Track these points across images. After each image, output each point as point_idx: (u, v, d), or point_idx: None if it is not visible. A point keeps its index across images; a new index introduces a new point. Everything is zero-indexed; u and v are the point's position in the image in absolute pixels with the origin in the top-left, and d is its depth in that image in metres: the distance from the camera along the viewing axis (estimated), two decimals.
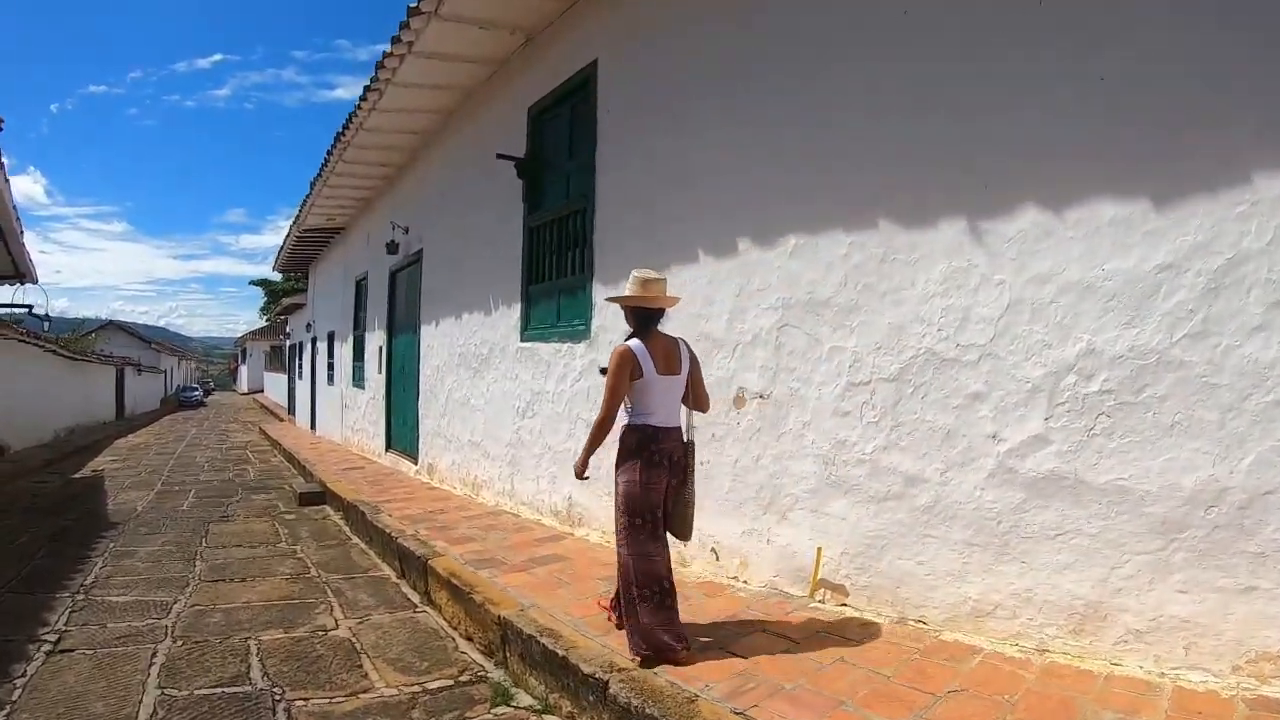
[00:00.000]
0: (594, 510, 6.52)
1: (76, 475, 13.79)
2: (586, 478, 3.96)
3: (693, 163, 5.55)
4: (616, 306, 4.29)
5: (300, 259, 20.80)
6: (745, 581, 4.95)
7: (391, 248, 11.44)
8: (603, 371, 3.71)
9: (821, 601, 4.48)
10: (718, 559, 5.22)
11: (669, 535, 3.81)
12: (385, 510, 7.87)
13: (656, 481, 3.62)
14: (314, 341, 20.66)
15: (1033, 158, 3.61)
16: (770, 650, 3.74)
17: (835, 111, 4.51)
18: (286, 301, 25.83)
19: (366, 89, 8.63)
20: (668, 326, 4.05)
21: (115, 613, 5.40)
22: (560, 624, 4.17)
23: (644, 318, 3.75)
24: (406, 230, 11.33)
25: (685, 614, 3.92)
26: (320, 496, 10.12)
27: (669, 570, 3.69)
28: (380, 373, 12.76)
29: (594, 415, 3.85)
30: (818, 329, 4.59)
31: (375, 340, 13.20)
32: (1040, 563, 3.53)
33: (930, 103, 4.02)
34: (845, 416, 4.43)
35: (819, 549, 4.52)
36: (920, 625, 3.98)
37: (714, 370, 5.22)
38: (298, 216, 15.30)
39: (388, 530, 6.84)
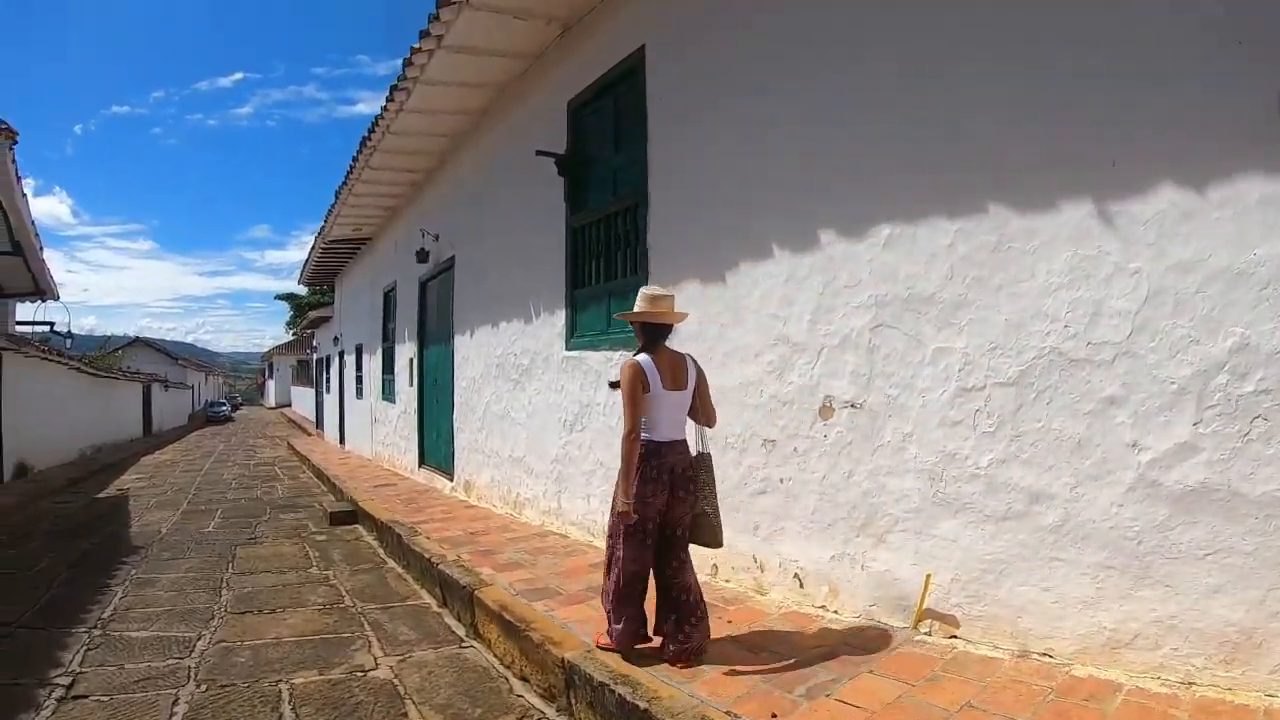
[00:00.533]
0: None
1: (101, 495, 13.42)
2: (635, 517, 3.67)
3: (764, 150, 5.01)
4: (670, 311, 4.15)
5: (326, 271, 20.48)
6: (836, 611, 4.41)
7: (421, 256, 10.98)
8: (613, 385, 3.89)
9: (928, 634, 3.95)
10: (802, 586, 4.68)
11: (697, 546, 3.88)
12: (423, 532, 7.37)
13: (654, 496, 3.61)
14: (341, 355, 20.30)
15: (1163, 129, 3.16)
16: (884, 696, 3.23)
17: (940, 87, 3.98)
18: (313, 315, 25.44)
19: (393, 89, 8.18)
20: (747, 333, 4.40)
21: (134, 651, 4.92)
22: (634, 668, 3.64)
23: (652, 333, 3.79)
24: (437, 238, 10.88)
25: (774, 649, 3.79)
26: (352, 516, 9.65)
27: (649, 573, 3.80)
28: (411, 385, 12.31)
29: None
30: (919, 328, 4.05)
31: (405, 352, 12.75)
32: (1187, 586, 3.10)
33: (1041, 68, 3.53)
34: (955, 427, 3.89)
35: (927, 575, 3.97)
36: (1046, 659, 3.50)
37: (794, 377, 4.74)
38: (323, 227, 14.94)
39: (427, 555, 6.34)
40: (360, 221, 14.66)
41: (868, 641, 3.90)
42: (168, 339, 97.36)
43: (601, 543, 6.19)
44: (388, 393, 14.28)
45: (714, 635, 3.93)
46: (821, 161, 4.60)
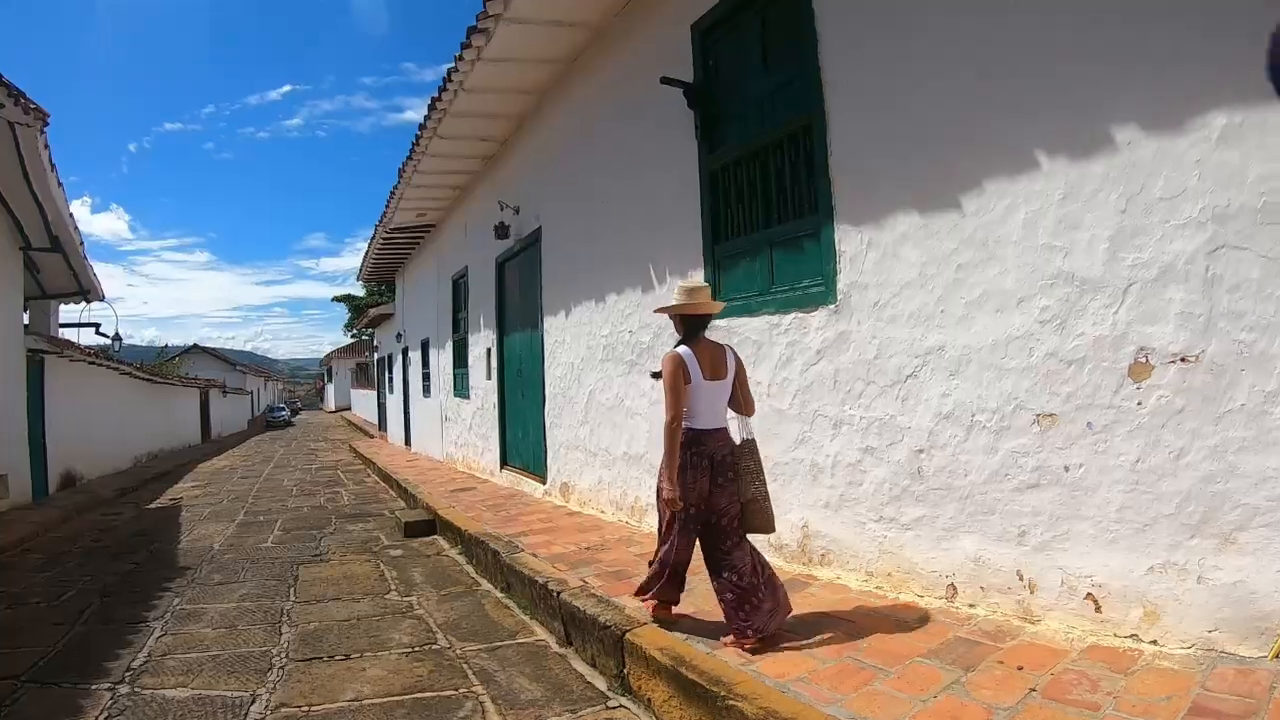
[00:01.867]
0: (848, 542, 4.57)
1: (151, 505, 12.31)
2: (681, 504, 3.72)
3: (1008, 27, 3.68)
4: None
5: (386, 266, 19.35)
6: (1154, 641, 3.19)
7: (500, 231, 9.59)
8: (655, 376, 3.91)
9: None
10: (1098, 610, 3.37)
11: (750, 532, 3.83)
12: (525, 547, 5.99)
13: (695, 481, 3.68)
14: (405, 352, 19.14)
15: None
16: None
17: None
18: (374, 312, 24.32)
19: (471, 32, 6.87)
20: (1004, 274, 3.70)
21: None
22: None
23: (692, 325, 3.84)
24: (517, 210, 9.52)
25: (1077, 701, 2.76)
26: (429, 526, 8.32)
27: (688, 560, 3.87)
28: (489, 378, 10.94)
29: (849, 410, 4.28)
30: None
31: (481, 343, 11.39)
32: None
33: None
34: None
35: None
36: None
37: (1084, 327, 3.40)
38: (384, 215, 13.72)
39: (540, 579, 4.96)
40: (424, 205, 13.39)
41: (1230, 685, 2.75)
42: (227, 348, 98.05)
43: (773, 558, 4.84)
44: (460, 388, 12.96)
45: (1011, 687, 2.92)
46: (1109, 34, 3.27)
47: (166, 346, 43.64)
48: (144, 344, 41.46)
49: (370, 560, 7.09)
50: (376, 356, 27.22)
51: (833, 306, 4.67)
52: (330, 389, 64.85)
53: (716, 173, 5.72)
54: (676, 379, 3.66)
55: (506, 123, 9.45)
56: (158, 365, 32.31)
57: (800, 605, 4.08)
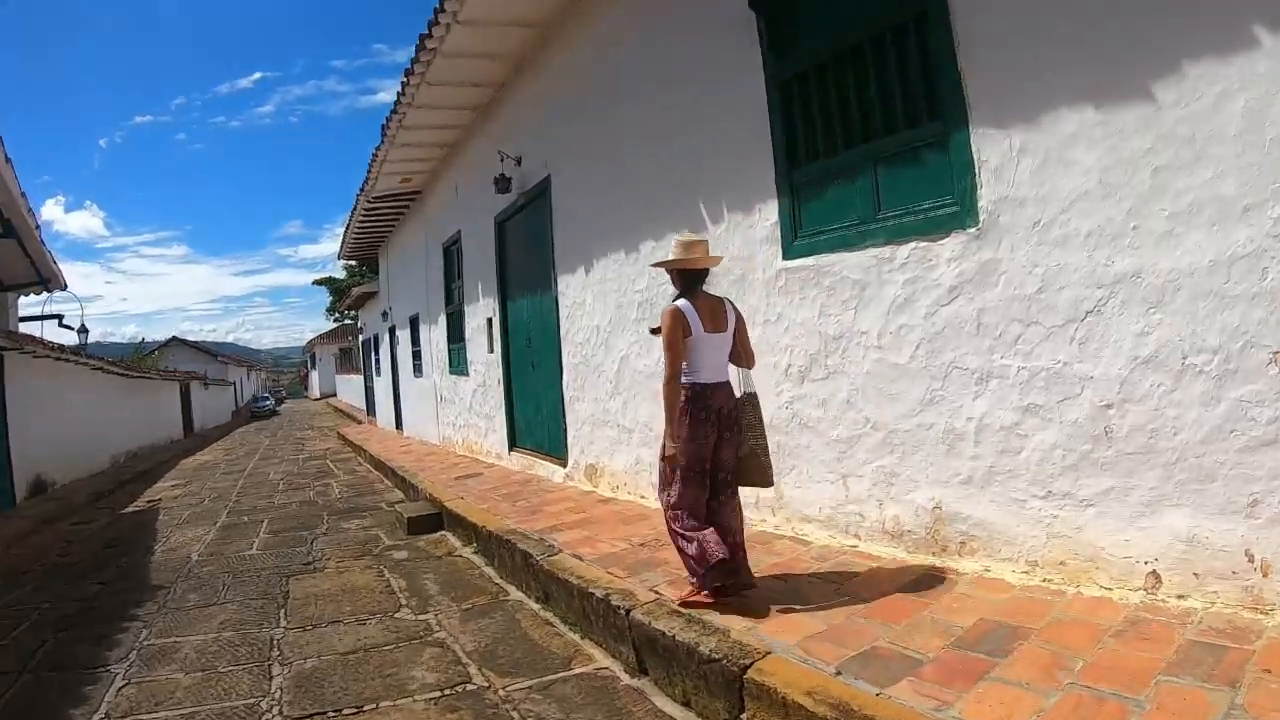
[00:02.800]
0: (1001, 525, 3.66)
1: (127, 510, 11.25)
2: (684, 460, 3.60)
3: None
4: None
5: (368, 242, 18.18)
6: None
7: (501, 185, 8.49)
8: (654, 332, 3.90)
9: None
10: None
11: (748, 487, 3.84)
12: (562, 546, 5.00)
13: (704, 435, 3.60)
14: (392, 331, 18.03)
15: None
16: None
17: None
18: (356, 292, 23.00)
19: None
20: (1220, 178, 2.79)
21: None
22: None
23: (690, 280, 3.75)
24: (519, 161, 8.44)
25: None
26: (435, 520, 7.32)
27: (704, 508, 3.68)
28: (491, 351, 9.87)
29: (1001, 360, 3.60)
30: None
31: (480, 313, 10.30)
32: None
33: None
34: None
35: None
36: None
37: None
38: (365, 182, 12.53)
39: (598, 592, 3.99)
40: (410, 169, 12.23)
41: None
42: (209, 339, 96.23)
43: (883, 547, 4.21)
44: (457, 365, 11.88)
45: None
46: None
47: (144, 341, 42.28)
48: (125, 340, 40.15)
49: (372, 567, 6.09)
50: (361, 339, 26.02)
51: (973, 230, 3.68)
52: (314, 376, 63.53)
53: (790, 83, 4.70)
54: (675, 333, 3.58)
55: (505, 65, 8.32)
56: (135, 360, 31.05)
57: (957, 613, 3.16)
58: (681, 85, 5.62)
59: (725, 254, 5.09)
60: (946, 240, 3.80)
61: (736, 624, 3.30)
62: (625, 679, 3.57)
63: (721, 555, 3.48)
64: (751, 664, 2.87)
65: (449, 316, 12.35)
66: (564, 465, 7.76)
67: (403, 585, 5.47)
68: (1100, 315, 3.22)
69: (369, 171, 11.93)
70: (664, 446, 3.70)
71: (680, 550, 3.68)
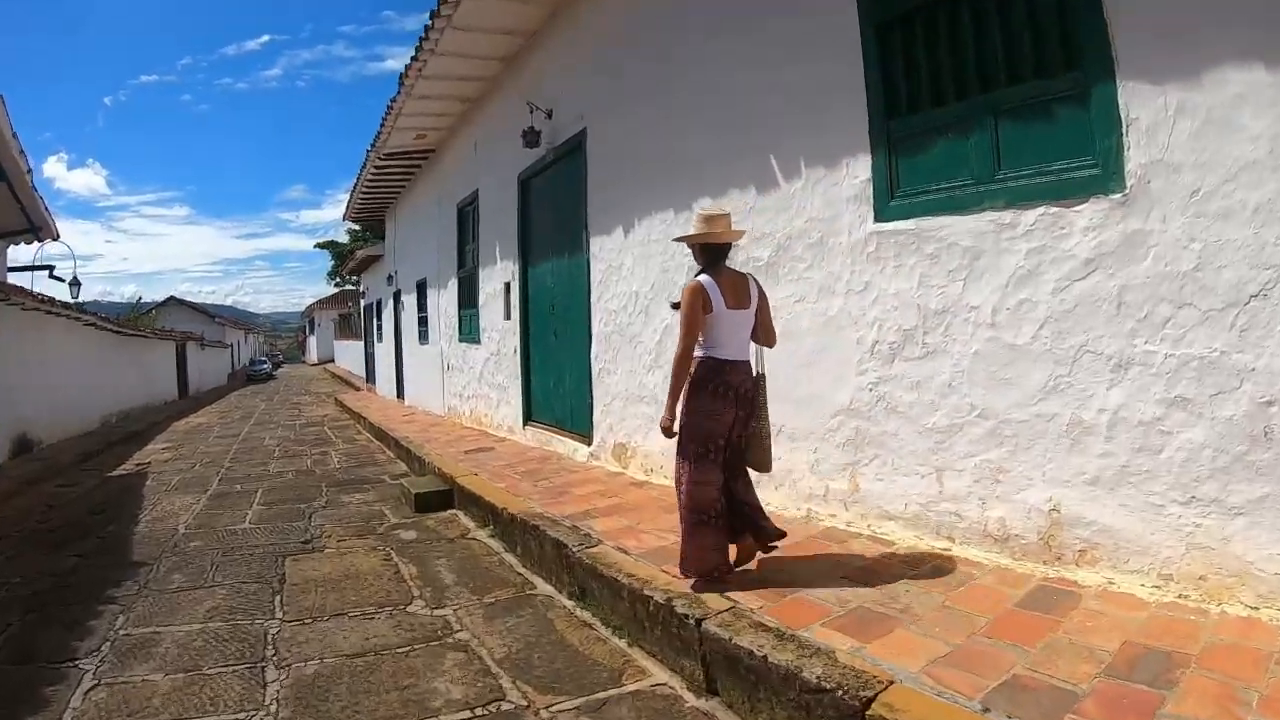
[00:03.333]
0: (1131, 533, 3.14)
1: (115, 472, 10.64)
2: (675, 433, 3.54)
3: None
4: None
5: (376, 202, 17.44)
6: None
7: (530, 138, 7.82)
8: (674, 306, 3.88)
9: None
10: None
11: (750, 470, 3.75)
12: (600, 535, 4.40)
13: (723, 413, 3.51)
14: (397, 296, 17.33)
15: None
16: None
17: None
18: (361, 254, 22.19)
19: None
20: None
21: None
22: None
23: (713, 254, 3.65)
24: (549, 114, 7.77)
25: None
26: (445, 497, 6.74)
27: (724, 496, 3.59)
28: (508, 318, 9.23)
29: (1145, 345, 3.07)
30: None
31: (496, 277, 9.64)
32: None
33: None
34: None
35: None
36: None
37: None
38: (377, 137, 11.80)
39: (658, 597, 3.40)
40: (426, 124, 11.52)
41: None
42: (209, 302, 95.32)
43: (982, 551, 3.73)
44: (468, 332, 11.24)
45: None
46: None
47: (140, 299, 41.59)
48: (123, 300, 39.55)
49: (378, 548, 5.50)
50: (364, 303, 25.29)
51: (1117, 197, 3.12)
52: (312, 341, 62.83)
53: (890, 24, 4.09)
54: (695, 309, 3.47)
55: (539, 8, 7.64)
56: (132, 318, 30.44)
57: (1094, 633, 2.68)
58: (751, 26, 4.98)
59: (802, 215, 4.60)
60: (1084, 206, 3.23)
61: (839, 642, 2.71)
62: (691, 699, 2.99)
63: (716, 563, 3.52)
64: (874, 696, 2.30)
65: (460, 281, 11.68)
66: (588, 443, 7.14)
67: (413, 572, 4.87)
68: (1267, 300, 2.73)
69: (382, 125, 11.22)
70: (667, 417, 3.62)
71: (682, 534, 3.62)
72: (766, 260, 4.88)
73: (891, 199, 4.14)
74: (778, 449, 4.30)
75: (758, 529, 3.65)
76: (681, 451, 3.60)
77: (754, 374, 3.68)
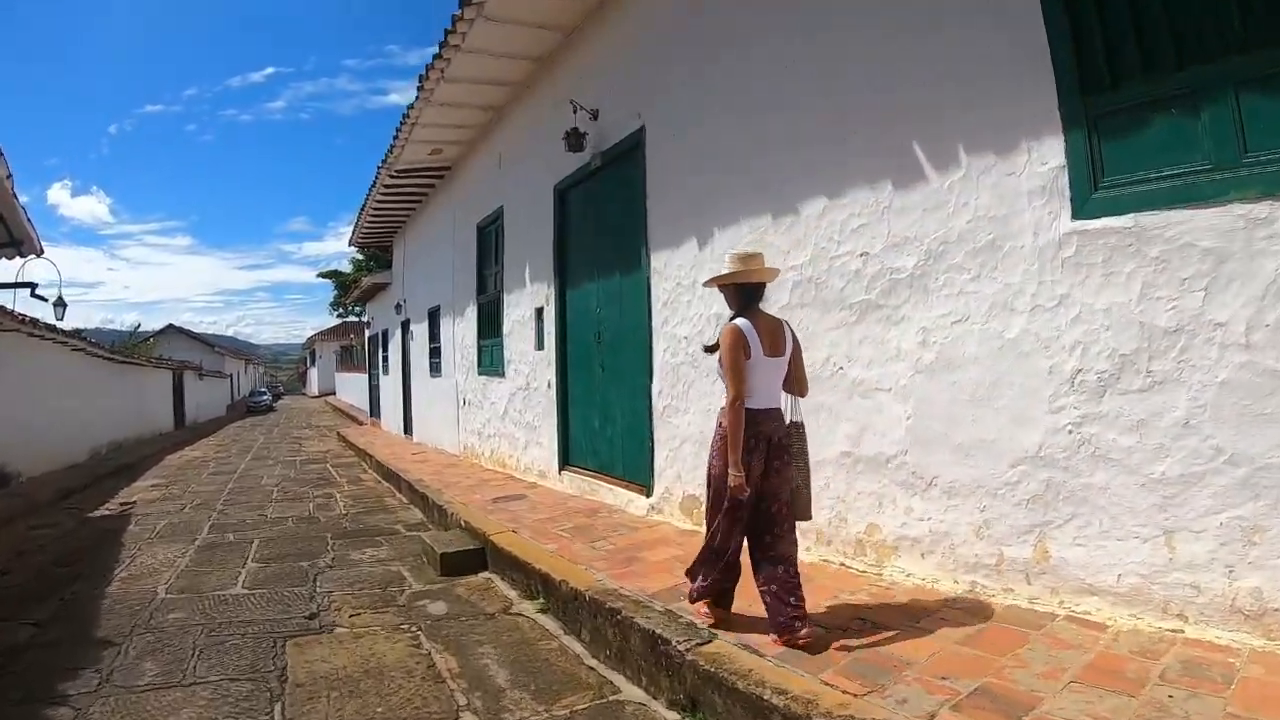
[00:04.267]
0: None
1: (96, 512, 9.57)
2: (749, 491, 3.27)
3: None
4: None
5: (385, 225, 16.48)
6: None
7: (573, 142, 6.86)
8: (708, 350, 3.63)
9: None
10: None
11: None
12: (710, 627, 3.30)
13: (752, 465, 3.28)
14: (405, 326, 16.30)
15: None
16: None
17: None
18: (367, 281, 21.05)
19: None
20: None
21: None
22: None
23: (748, 295, 3.45)
24: (595, 115, 6.82)
25: None
26: (478, 558, 5.69)
27: (739, 550, 3.46)
28: (540, 348, 8.20)
29: None
30: None
31: (526, 301, 8.61)
32: None
33: None
34: None
35: None
36: None
37: None
38: (390, 152, 10.87)
39: None
40: (444, 138, 10.57)
41: None
42: (209, 332, 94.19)
43: (1206, 630, 2.21)
44: (490, 363, 10.18)
45: None
46: None
47: (138, 327, 40.65)
48: (124, 328, 38.83)
49: (403, 627, 4.42)
50: (368, 334, 24.20)
51: None
52: (313, 373, 61.79)
53: None
54: (738, 354, 3.26)
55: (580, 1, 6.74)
56: (129, 345, 29.51)
57: None
58: None
59: (962, 214, 3.68)
60: None
61: None
62: None
63: (711, 597, 3.50)
64: None
65: (481, 308, 10.64)
66: (646, 493, 6.06)
67: (453, 666, 3.79)
68: None
69: (395, 138, 10.29)
70: (711, 469, 3.50)
71: (692, 573, 3.58)
72: (910, 271, 3.88)
73: (1095, 190, 3.17)
74: (925, 506, 3.86)
75: (783, 596, 3.23)
76: (713, 502, 3.48)
77: (787, 421, 3.46)
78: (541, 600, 4.59)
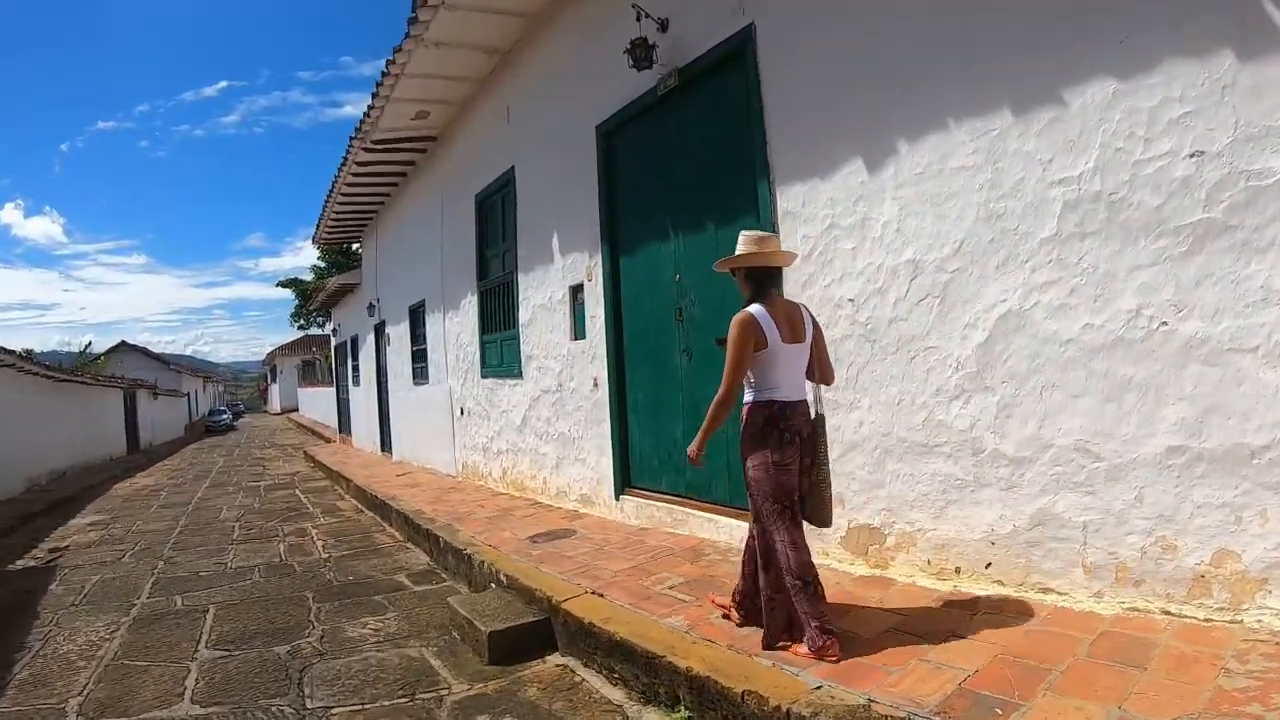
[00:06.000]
0: None
1: (15, 565, 7.65)
2: (700, 465, 3.28)
3: None
4: None
5: (354, 216, 14.64)
6: None
7: (641, 55, 5.16)
8: (718, 342, 3.51)
9: None
10: None
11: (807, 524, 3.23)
12: None
13: (790, 461, 3.08)
14: (379, 329, 14.40)
15: None
16: None
17: None
18: (334, 283, 18.80)
19: None
20: None
21: None
22: None
23: (762, 280, 3.21)
24: (664, 25, 5.25)
25: None
26: (540, 632, 3.88)
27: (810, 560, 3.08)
28: (580, 336, 6.47)
29: None
30: None
31: (554, 280, 6.84)
32: None
33: None
34: None
35: None
36: None
37: None
38: (366, 117, 9.06)
39: None
40: (434, 95, 8.74)
41: None
42: (168, 351, 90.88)
43: None
44: (499, 363, 8.36)
45: None
46: None
47: (89, 346, 38.28)
48: (80, 350, 36.70)
49: None
50: (335, 342, 22.13)
51: None
52: (275, 390, 59.30)
53: None
54: (746, 346, 3.03)
55: None
56: (79, 364, 27.32)
57: None
58: None
59: None
60: None
61: None
62: None
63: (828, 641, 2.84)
64: None
65: (483, 296, 8.83)
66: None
67: None
68: None
69: (375, 97, 8.50)
70: (747, 473, 3.15)
71: (769, 597, 3.04)
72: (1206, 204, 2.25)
73: None
74: None
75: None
76: (761, 513, 3.08)
77: (812, 414, 3.20)
78: (686, 712, 2.84)
